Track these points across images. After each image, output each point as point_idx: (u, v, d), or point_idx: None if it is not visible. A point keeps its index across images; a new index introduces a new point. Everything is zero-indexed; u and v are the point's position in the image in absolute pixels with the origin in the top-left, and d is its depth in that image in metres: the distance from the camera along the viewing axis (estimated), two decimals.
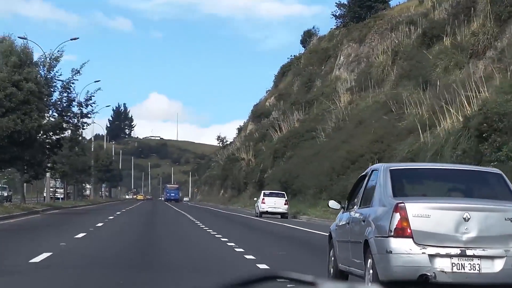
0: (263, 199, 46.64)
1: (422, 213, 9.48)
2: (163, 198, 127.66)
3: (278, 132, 70.04)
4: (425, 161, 33.36)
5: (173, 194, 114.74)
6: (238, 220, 42.56)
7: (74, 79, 47.84)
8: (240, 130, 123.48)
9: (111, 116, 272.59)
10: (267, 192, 48.20)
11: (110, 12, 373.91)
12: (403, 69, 51.41)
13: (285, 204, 46.28)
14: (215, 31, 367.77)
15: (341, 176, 44.67)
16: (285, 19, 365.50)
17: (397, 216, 9.46)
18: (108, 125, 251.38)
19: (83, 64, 47.85)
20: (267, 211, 46.06)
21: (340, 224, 11.84)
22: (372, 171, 11.05)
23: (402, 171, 11.07)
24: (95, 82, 60.75)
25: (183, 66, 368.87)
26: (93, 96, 48.64)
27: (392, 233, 9.44)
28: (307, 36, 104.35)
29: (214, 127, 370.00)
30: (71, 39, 58.40)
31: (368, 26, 74.35)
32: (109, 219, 35.72)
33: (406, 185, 10.76)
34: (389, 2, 79.51)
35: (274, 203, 45.97)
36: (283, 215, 46.44)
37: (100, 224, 29.47)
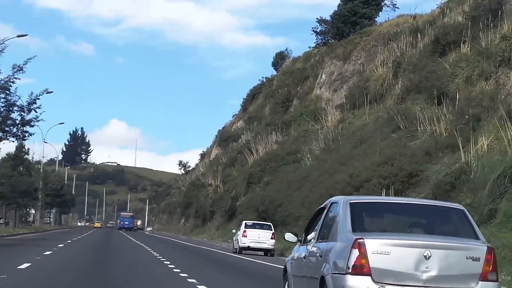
0: (244, 231, 37.54)
1: (381, 250, 9.08)
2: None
3: (254, 155, 60.95)
4: (474, 184, 24.91)
5: (127, 222, 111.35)
6: (211, 256, 33.46)
7: (15, 78, 38.51)
8: (203, 155, 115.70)
9: (68, 140, 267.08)
10: (249, 223, 38.79)
11: (73, 37, 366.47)
12: (411, 81, 42.91)
13: (271, 238, 37.25)
14: (179, 59, 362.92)
15: None
16: (248, 49, 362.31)
17: (356, 253, 9.04)
18: (64, 149, 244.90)
19: (28, 59, 38.64)
20: (248, 246, 37.03)
21: (296, 258, 11.43)
22: (332, 203, 10.64)
23: (363, 204, 10.46)
24: (47, 93, 50.29)
25: (144, 92, 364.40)
26: (38, 99, 39.28)
27: (350, 270, 9.03)
28: (279, 58, 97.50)
29: (173, 155, 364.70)
30: (18, 36, 49.30)
31: (354, 42, 66.48)
32: (45, 254, 26.11)
33: (366, 220, 10.32)
34: (376, 19, 72.12)
35: (258, 237, 36.92)
36: (267, 252, 37.43)
37: (24, 266, 19.63)
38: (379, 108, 45.69)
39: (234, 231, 41.10)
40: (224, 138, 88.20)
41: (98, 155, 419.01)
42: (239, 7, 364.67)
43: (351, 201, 10.08)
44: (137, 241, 49.51)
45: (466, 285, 9.17)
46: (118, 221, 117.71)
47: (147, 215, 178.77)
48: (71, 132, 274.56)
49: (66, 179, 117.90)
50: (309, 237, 11.17)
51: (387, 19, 69.17)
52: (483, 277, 9.21)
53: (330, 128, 50.30)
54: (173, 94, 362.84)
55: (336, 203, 10.34)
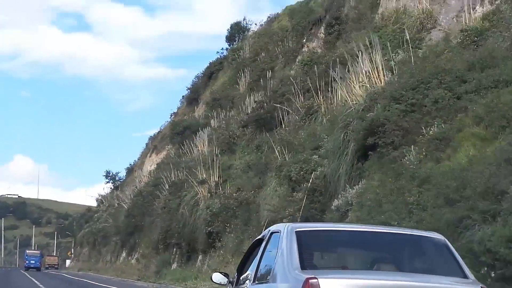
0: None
1: None
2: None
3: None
4: None
5: (33, 262, 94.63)
6: None
7: None
8: (130, 169, 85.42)
9: None
10: None
11: None
12: None
13: None
14: (79, 92, 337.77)
15: None
16: (149, 81, 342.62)
17: None
18: None
19: None
20: None
21: None
22: (272, 233, 7.64)
23: (313, 234, 7.43)
24: None
25: (49, 127, 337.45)
26: None
27: None
28: (236, 31, 70.00)
29: (79, 190, 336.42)
30: None
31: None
32: None
33: (318, 254, 7.57)
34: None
35: None
36: None
37: None
38: None
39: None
40: (179, 130, 58.02)
41: None
42: (138, 39, 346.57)
43: (297, 230, 7.23)
44: None
45: None
46: (24, 260, 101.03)
47: (55, 251, 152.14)
48: None
49: None
50: (243, 277, 8.14)
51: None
52: None
53: None
54: (77, 128, 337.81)
55: (278, 232, 7.44)
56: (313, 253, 7.40)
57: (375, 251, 7.55)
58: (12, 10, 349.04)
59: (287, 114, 31.89)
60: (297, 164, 20.54)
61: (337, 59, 28.64)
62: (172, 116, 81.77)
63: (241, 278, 8.21)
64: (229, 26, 72.62)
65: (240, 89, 54.57)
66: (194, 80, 74.06)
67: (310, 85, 28.87)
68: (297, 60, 38.19)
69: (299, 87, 31.07)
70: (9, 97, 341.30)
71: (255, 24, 65.20)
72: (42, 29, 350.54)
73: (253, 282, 7.55)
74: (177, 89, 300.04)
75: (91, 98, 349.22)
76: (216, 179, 31.52)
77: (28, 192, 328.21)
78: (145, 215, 47.96)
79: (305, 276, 6.37)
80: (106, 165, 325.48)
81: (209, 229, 29.26)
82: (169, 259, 36.48)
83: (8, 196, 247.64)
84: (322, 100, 28.15)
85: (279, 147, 25.18)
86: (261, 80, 47.77)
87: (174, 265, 35.42)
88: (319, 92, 28.67)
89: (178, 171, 38.13)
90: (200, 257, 31.64)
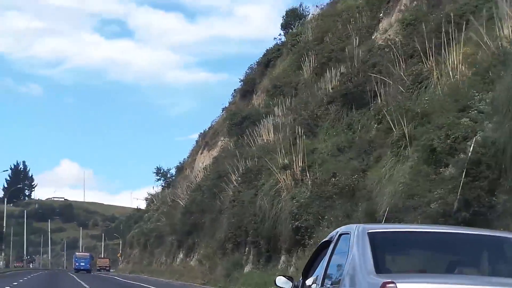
0: None
1: None
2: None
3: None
4: None
5: (83, 264, 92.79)
6: None
7: None
8: (180, 168, 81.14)
9: (9, 176, 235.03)
10: None
11: (20, 79, 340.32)
12: None
13: None
14: (123, 98, 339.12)
15: None
16: (191, 86, 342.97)
17: None
18: (5, 186, 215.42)
19: None
20: None
21: None
22: (340, 235, 7.16)
23: (387, 235, 6.90)
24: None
25: (94, 132, 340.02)
26: None
27: None
28: (292, 18, 65.43)
29: (124, 193, 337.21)
30: None
31: None
32: None
33: (393, 257, 6.96)
34: None
35: None
36: None
37: None
38: None
39: None
40: (237, 121, 53.16)
41: (43, 192, 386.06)
42: (179, 44, 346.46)
43: (369, 231, 6.72)
44: None
45: None
46: (73, 262, 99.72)
47: (102, 252, 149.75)
48: (12, 167, 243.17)
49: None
50: (309, 281, 7.66)
51: None
52: None
53: None
54: (120, 133, 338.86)
55: (347, 234, 6.93)
56: (388, 256, 6.78)
57: (455, 253, 6.85)
58: (55, 18, 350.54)
59: (384, 87, 26.62)
60: (441, 130, 15.13)
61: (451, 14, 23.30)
62: (223, 111, 77.72)
63: (306, 282, 7.75)
64: (284, 13, 68.17)
65: (304, 74, 50.00)
66: (247, 71, 69.86)
67: (418, 46, 23.55)
68: (391, 21, 32.79)
69: (399, 52, 25.74)
70: (53, 103, 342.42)
71: (316, 6, 60.05)
72: (85, 36, 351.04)
73: (321, 286, 7.09)
74: (218, 92, 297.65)
75: (134, 103, 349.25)
76: (301, 164, 26.26)
77: (75, 195, 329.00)
78: (205, 212, 43.00)
79: (381, 280, 5.91)
80: (150, 168, 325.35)
81: (296, 223, 24.01)
82: (240, 260, 31.31)
83: (55, 199, 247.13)
84: (433, 64, 22.83)
85: (393, 117, 19.80)
86: (329, 63, 42.89)
87: (248, 267, 30.21)
88: (428, 55, 23.38)
89: (247, 160, 33.04)
90: (283, 257, 26.28)
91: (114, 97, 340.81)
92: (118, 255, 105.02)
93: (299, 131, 26.81)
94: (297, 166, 26.10)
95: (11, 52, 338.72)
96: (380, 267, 6.25)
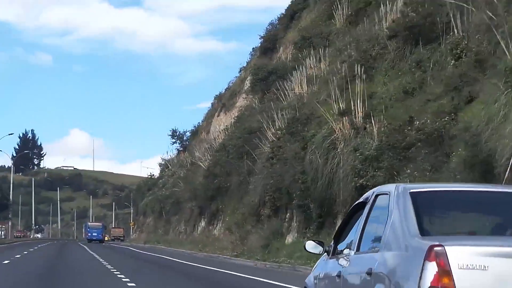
0: None
1: (474, 262, 5.24)
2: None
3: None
4: None
5: (95, 234, 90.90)
6: None
7: None
8: (195, 132, 76.71)
9: (18, 144, 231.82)
10: None
11: (30, 48, 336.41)
12: None
13: None
14: (132, 67, 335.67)
15: None
16: (200, 55, 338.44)
17: (433, 268, 5.20)
18: (14, 154, 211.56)
19: None
20: None
21: (323, 276, 7.25)
22: (377, 195, 6.55)
23: (431, 195, 6.29)
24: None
25: (103, 102, 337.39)
26: None
27: None
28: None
29: (134, 162, 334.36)
30: None
31: None
32: None
33: (439, 219, 6.24)
34: None
35: None
36: None
37: None
38: None
39: None
40: (262, 76, 48.33)
41: (53, 162, 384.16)
42: (189, 13, 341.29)
43: (412, 190, 6.15)
44: None
45: None
46: (85, 232, 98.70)
47: (113, 222, 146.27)
48: (21, 136, 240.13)
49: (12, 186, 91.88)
50: (341, 246, 7.18)
51: None
52: None
53: None
54: (129, 102, 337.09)
55: (386, 194, 6.37)
56: (433, 217, 6.14)
57: (506, 214, 6.15)
58: None
59: (461, 16, 21.68)
60: None
61: None
62: (241, 71, 73.13)
63: (338, 247, 7.19)
64: None
65: (336, 24, 45.26)
66: (268, 27, 65.16)
67: None
68: None
69: None
70: (62, 72, 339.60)
71: None
72: (94, 4, 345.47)
73: (356, 251, 6.55)
74: (228, 61, 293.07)
75: (142, 72, 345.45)
76: (361, 110, 21.43)
77: (84, 165, 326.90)
78: (231, 174, 38.27)
79: (428, 243, 5.34)
80: (160, 137, 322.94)
81: (360, 181, 19.28)
82: (280, 228, 26.58)
83: (64, 168, 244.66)
84: None
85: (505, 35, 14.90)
86: (367, 9, 38.03)
87: (291, 236, 25.50)
88: None
89: (286, 111, 28.15)
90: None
91: (123, 66, 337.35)
92: (131, 224, 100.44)
93: (359, 70, 21.87)
94: (357, 113, 21.25)
95: (21, 21, 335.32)
96: (425, 230, 5.70)
